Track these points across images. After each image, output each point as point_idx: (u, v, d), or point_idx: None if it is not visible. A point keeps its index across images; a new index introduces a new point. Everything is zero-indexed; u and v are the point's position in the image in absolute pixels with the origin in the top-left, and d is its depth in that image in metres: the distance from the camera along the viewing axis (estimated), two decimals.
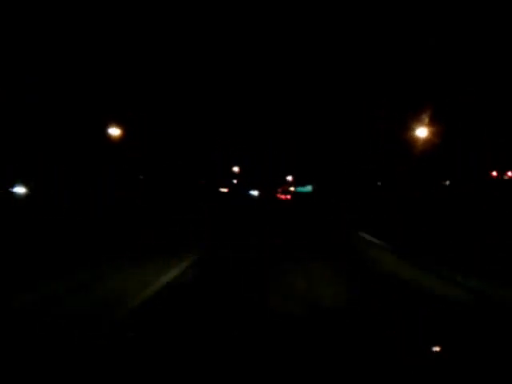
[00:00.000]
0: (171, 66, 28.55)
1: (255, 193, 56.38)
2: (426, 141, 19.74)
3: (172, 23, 27.93)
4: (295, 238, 13.59)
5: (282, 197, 53.10)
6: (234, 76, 37.21)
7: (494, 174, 22.66)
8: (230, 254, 10.38)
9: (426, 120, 19.12)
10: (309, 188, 52.90)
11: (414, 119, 19.86)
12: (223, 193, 47.69)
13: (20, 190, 23.65)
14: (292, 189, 56.97)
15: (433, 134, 19.39)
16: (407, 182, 24.59)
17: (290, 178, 60.63)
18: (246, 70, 38.40)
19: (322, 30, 31.65)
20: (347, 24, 27.30)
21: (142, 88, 26.10)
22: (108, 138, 22.60)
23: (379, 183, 32.47)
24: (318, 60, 34.46)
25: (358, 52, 26.47)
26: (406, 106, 21.84)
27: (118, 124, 22.71)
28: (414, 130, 19.86)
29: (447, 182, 26.24)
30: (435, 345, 3.00)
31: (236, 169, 55.86)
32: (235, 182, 56.61)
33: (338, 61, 29.69)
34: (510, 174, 22.75)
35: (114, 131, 22.40)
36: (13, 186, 23.25)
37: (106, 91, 23.34)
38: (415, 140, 20.13)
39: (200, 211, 23.54)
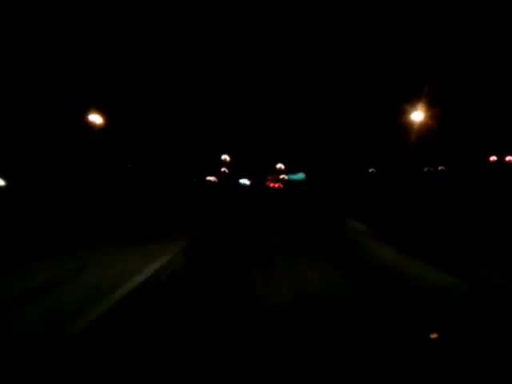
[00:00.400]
0: (169, 62, 28.57)
1: (246, 182, 55.67)
2: (422, 126, 19.62)
3: (171, 23, 27.96)
4: (290, 231, 13.54)
5: (275, 185, 51.92)
6: (229, 67, 37.08)
7: (494, 158, 22.33)
8: (230, 254, 10.40)
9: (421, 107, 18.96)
10: (301, 175, 51.50)
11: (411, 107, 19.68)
12: (213, 183, 47.19)
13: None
14: (285, 177, 55.50)
15: (429, 118, 19.26)
16: (403, 170, 24.51)
17: (281, 166, 59.16)
18: (243, 62, 38.28)
19: (322, 27, 31.64)
20: (347, 22, 27.33)
21: (141, 88, 26.11)
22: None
23: (373, 170, 32.16)
24: (316, 55, 34.44)
25: (359, 47, 26.47)
26: (405, 99, 21.78)
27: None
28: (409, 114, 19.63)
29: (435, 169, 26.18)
30: (437, 332, 2.99)
31: (227, 158, 54.49)
32: (226, 170, 55.63)
33: (337, 56, 29.71)
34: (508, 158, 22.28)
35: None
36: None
37: (105, 91, 23.35)
38: (411, 125, 20.02)
39: (199, 211, 23.59)
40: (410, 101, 19.31)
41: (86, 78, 22.33)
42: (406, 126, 20.13)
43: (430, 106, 18.77)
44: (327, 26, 28.98)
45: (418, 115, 18.97)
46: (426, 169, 26.20)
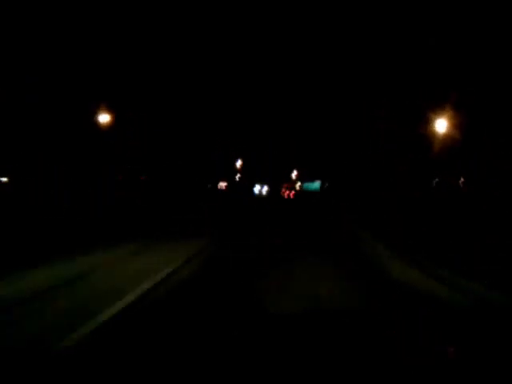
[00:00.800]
0: (171, 63, 28.55)
1: (258, 188, 53.78)
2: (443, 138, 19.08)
3: (172, 23, 27.96)
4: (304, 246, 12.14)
5: (286, 194, 49.83)
6: (235, 71, 37.08)
7: None
8: (231, 254, 10.38)
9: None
10: (317, 185, 48.90)
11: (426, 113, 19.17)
12: (222, 190, 46.07)
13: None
14: (298, 185, 53.49)
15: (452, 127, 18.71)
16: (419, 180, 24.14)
17: (294, 173, 56.68)
18: (248, 66, 38.30)
19: (323, 29, 31.66)
20: (347, 24, 27.32)
21: (142, 87, 26.10)
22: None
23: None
24: (318, 56, 34.45)
25: (360, 44, 26.39)
26: (409, 102, 21.63)
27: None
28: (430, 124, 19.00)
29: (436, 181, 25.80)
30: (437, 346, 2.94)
31: (238, 163, 52.28)
32: (237, 176, 53.64)
33: (339, 54, 29.68)
34: None
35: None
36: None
37: (105, 90, 23.34)
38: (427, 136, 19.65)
39: (200, 211, 23.56)
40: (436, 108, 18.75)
41: (86, 79, 22.33)
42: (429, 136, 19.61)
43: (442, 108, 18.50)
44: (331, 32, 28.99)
45: (442, 124, 18.30)
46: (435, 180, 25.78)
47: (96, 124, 21.98)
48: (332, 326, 2.52)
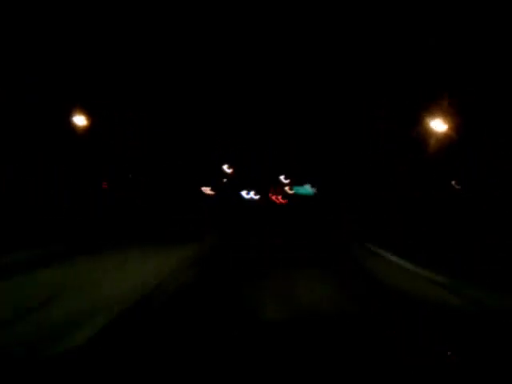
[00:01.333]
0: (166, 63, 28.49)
1: (246, 194, 52.27)
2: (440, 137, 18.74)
3: (171, 23, 27.88)
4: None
5: (276, 200, 47.87)
6: (231, 73, 36.89)
7: None
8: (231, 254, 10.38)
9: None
10: (309, 189, 47.48)
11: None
12: (210, 195, 45.08)
13: None
14: (289, 191, 51.10)
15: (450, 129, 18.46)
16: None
17: (284, 178, 54.46)
18: (243, 66, 38.11)
19: (321, 29, 31.59)
20: (347, 24, 27.25)
21: (141, 88, 26.06)
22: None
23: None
24: (316, 58, 34.32)
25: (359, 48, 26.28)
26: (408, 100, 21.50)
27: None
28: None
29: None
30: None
31: (227, 168, 50.04)
32: (226, 181, 51.68)
33: (338, 57, 29.57)
34: None
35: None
36: None
37: (104, 90, 23.28)
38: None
39: (199, 211, 23.53)
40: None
41: (86, 78, 22.28)
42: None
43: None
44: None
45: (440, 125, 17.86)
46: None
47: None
48: (326, 330, 2.52)
